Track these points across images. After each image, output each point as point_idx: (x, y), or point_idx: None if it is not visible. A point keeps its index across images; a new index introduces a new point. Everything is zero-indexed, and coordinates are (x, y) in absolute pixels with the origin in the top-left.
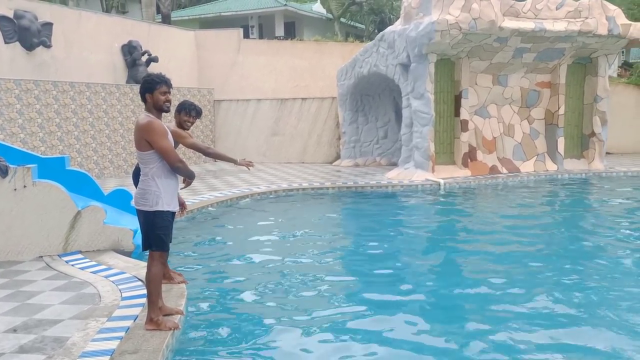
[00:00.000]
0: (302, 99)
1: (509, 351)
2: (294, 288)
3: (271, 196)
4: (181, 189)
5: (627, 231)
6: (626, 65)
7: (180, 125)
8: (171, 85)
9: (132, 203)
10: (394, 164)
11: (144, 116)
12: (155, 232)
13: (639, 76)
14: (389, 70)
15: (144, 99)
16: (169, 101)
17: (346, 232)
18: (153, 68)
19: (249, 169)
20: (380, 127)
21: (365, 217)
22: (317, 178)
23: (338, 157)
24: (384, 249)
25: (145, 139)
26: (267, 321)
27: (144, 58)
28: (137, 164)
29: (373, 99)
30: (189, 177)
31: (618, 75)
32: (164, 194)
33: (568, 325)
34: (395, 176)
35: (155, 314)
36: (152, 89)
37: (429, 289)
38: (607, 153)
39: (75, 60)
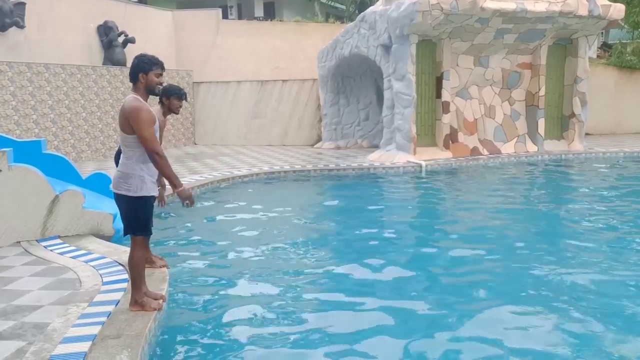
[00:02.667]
0: (283, 81)
1: (489, 324)
2: (276, 271)
3: (253, 179)
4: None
5: (603, 212)
6: (605, 47)
7: (170, 110)
8: (164, 68)
9: (112, 187)
10: (376, 146)
11: (131, 98)
12: (138, 217)
13: (618, 57)
14: (370, 51)
15: (135, 79)
16: (160, 84)
17: (328, 214)
18: (130, 49)
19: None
20: (361, 109)
21: (347, 200)
22: (299, 161)
23: (319, 139)
24: (365, 230)
25: (130, 123)
26: (249, 304)
27: (121, 39)
28: (119, 146)
29: (354, 81)
30: (166, 176)
31: (598, 56)
32: (148, 179)
33: (541, 303)
34: (377, 158)
35: (140, 296)
36: (148, 69)
37: (411, 267)
38: (587, 134)
39: (50, 42)
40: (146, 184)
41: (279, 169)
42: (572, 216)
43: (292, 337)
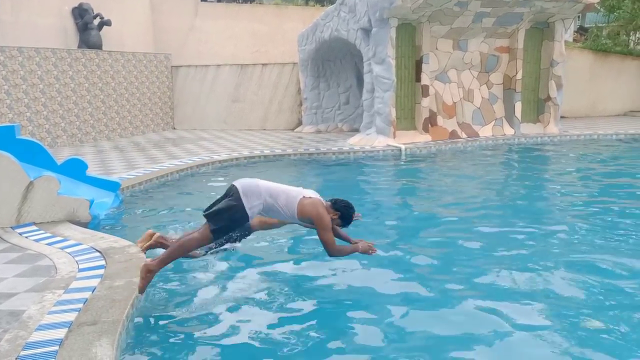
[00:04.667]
0: (263, 64)
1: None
2: (256, 257)
3: (233, 163)
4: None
5: (576, 193)
6: (581, 30)
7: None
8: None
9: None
10: (356, 130)
11: (320, 202)
12: (229, 223)
13: (593, 41)
14: (350, 35)
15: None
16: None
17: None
18: (106, 32)
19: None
20: (342, 92)
21: (327, 183)
22: (279, 145)
23: (300, 123)
24: None
25: (313, 222)
26: (229, 291)
27: (96, 22)
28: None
29: (334, 65)
30: (347, 255)
31: (574, 40)
32: (258, 214)
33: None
34: (357, 142)
35: (152, 272)
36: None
37: (393, 249)
38: (562, 117)
39: (24, 25)
40: (254, 214)
41: (259, 153)
42: (549, 197)
43: (269, 323)
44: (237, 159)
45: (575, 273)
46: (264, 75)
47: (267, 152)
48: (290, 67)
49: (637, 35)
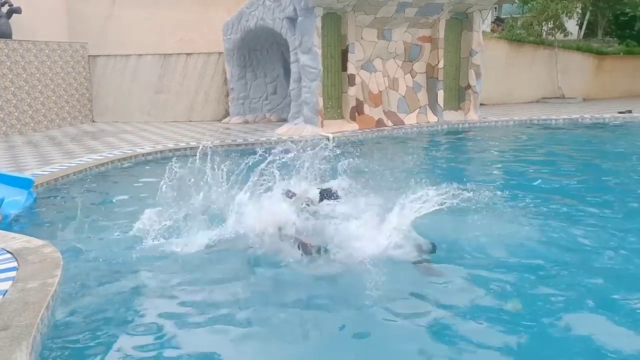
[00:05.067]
0: (187, 54)
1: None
2: (179, 256)
3: (157, 157)
4: None
5: (496, 173)
6: (498, 21)
7: None
8: None
9: None
10: (284, 120)
11: None
12: None
13: (509, 31)
14: (276, 24)
15: None
16: None
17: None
18: (16, 21)
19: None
20: (269, 82)
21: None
22: (206, 136)
23: (227, 114)
24: None
25: None
26: (145, 289)
27: (4, 9)
28: None
29: (261, 54)
30: None
31: (491, 30)
32: None
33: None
34: (285, 132)
35: None
36: None
37: None
38: (481, 104)
39: None
40: None
41: (185, 145)
42: (469, 179)
43: (190, 322)
44: (161, 151)
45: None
46: (189, 65)
47: (193, 144)
48: (216, 56)
49: (549, 26)
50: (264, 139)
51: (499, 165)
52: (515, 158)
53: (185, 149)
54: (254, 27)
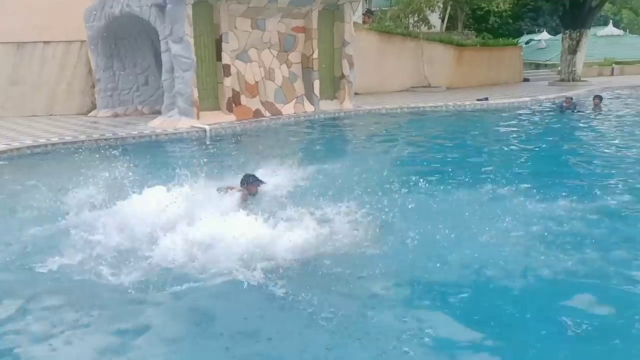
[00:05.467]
0: (45, 42)
1: None
2: (46, 265)
3: (13, 155)
4: None
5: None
6: (369, 13)
7: None
8: None
9: None
10: (158, 112)
11: None
12: None
13: (378, 23)
14: (144, 11)
15: None
16: None
17: (106, 188)
18: None
19: None
20: (139, 73)
21: (130, 171)
22: (70, 131)
23: (94, 107)
24: None
25: None
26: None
27: None
28: None
29: (129, 43)
30: None
31: (363, 22)
32: None
33: None
34: (159, 124)
35: None
36: None
37: None
38: (356, 93)
39: None
40: None
41: (45, 141)
42: (347, 164)
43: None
44: (18, 149)
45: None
46: (47, 54)
47: (55, 139)
48: (78, 45)
49: (415, 19)
50: (136, 132)
51: (373, 149)
52: (388, 141)
53: (45, 145)
54: (120, 14)
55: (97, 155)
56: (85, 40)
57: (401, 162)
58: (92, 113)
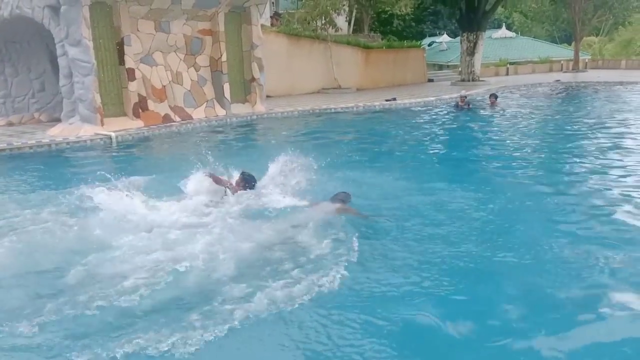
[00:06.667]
0: None
1: None
2: None
3: None
4: None
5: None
6: (277, 15)
7: None
8: None
9: None
10: (58, 120)
11: None
12: None
13: (286, 25)
14: (36, 13)
15: None
16: None
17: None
18: None
19: None
20: (34, 78)
21: (27, 185)
22: None
23: None
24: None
25: None
26: None
27: None
28: None
29: (22, 47)
30: None
31: (271, 24)
32: None
33: None
34: (59, 133)
35: None
36: None
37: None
38: (268, 96)
39: None
40: None
41: None
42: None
43: None
44: None
45: None
46: None
47: None
48: None
49: (322, 21)
50: (34, 141)
51: (288, 149)
52: (302, 142)
53: None
54: (9, 16)
55: None
56: None
57: (323, 158)
58: None
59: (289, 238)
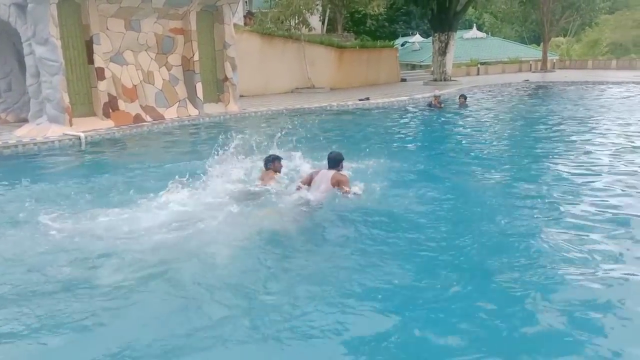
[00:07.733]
0: None
1: None
2: None
3: None
4: None
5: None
6: (250, 14)
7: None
8: None
9: None
10: (25, 120)
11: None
12: None
13: (259, 25)
14: (2, 11)
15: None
16: None
17: None
18: None
19: None
20: (0, 78)
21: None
22: None
23: None
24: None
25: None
26: None
27: None
28: None
29: None
30: None
31: (245, 24)
32: None
33: None
34: (27, 133)
35: None
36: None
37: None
38: (241, 96)
39: None
40: None
41: None
42: None
43: None
44: None
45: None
46: None
47: None
48: None
49: (295, 21)
50: (0, 142)
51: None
52: (277, 141)
53: None
54: None
55: None
56: None
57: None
58: None
59: (281, 236)
